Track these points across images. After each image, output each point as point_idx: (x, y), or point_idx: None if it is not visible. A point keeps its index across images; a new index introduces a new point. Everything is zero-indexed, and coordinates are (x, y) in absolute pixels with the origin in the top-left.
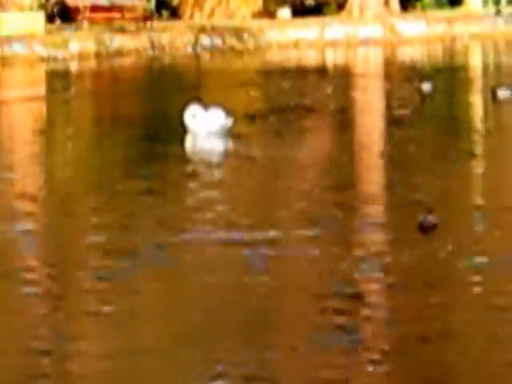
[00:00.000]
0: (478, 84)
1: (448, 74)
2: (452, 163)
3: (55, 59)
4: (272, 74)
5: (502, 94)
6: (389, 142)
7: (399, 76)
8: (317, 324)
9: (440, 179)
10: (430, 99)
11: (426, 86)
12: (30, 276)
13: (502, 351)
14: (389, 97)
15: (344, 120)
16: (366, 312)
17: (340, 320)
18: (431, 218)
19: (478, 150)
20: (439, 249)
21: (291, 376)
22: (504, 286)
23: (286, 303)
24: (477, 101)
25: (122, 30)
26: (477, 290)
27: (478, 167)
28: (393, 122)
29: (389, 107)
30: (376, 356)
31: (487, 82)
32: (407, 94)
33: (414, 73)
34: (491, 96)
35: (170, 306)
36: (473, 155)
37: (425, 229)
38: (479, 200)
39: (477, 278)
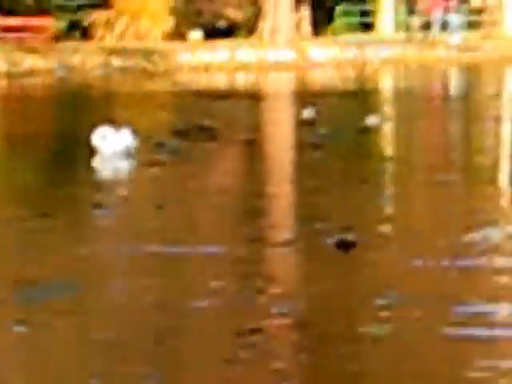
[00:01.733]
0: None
1: (337, 99)
2: (355, 187)
3: None
4: (182, 96)
5: (370, 121)
6: (293, 167)
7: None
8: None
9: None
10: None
11: (307, 113)
12: None
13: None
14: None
15: (250, 144)
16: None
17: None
18: (350, 237)
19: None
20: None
21: None
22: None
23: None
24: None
25: (33, 50)
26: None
27: (381, 190)
28: (293, 146)
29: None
30: None
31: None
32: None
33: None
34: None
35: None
36: (372, 179)
37: (344, 246)
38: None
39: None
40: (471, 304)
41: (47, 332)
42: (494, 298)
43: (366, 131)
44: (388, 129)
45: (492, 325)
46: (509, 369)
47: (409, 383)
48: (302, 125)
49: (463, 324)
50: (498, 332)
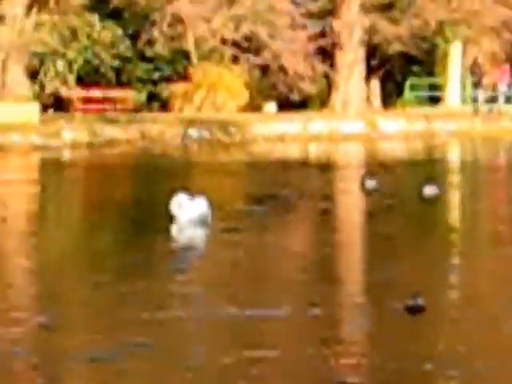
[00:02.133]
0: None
1: (404, 170)
2: (427, 255)
3: (49, 148)
4: (257, 166)
5: (429, 191)
6: (365, 235)
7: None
8: None
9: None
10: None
11: (372, 183)
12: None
13: None
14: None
15: (323, 211)
16: None
17: None
18: (419, 301)
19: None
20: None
21: None
22: None
23: None
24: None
25: (114, 121)
26: None
27: (453, 259)
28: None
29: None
30: None
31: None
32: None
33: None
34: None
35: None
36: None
37: (413, 311)
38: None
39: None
40: None
41: None
42: None
43: (426, 201)
44: (449, 198)
45: None
46: None
47: None
48: (368, 195)
49: None
50: None
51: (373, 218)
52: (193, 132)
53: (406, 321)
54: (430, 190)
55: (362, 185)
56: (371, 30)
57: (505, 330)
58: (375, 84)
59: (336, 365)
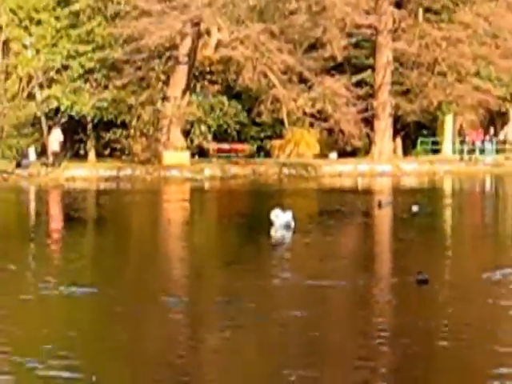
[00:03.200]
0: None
1: (412, 195)
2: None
3: (195, 180)
4: (325, 192)
5: (415, 209)
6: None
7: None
8: None
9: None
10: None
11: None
12: None
13: None
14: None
15: (364, 222)
16: None
17: None
18: (424, 276)
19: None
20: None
21: None
22: None
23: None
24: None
25: (236, 163)
26: None
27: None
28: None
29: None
30: None
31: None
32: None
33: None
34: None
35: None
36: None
37: (421, 282)
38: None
39: None
40: None
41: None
42: None
43: (415, 215)
44: (428, 212)
45: None
46: None
47: None
48: (383, 206)
49: None
50: None
51: (392, 225)
52: (285, 170)
53: (417, 289)
54: (415, 208)
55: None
56: (396, 107)
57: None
58: (398, 141)
59: (370, 320)
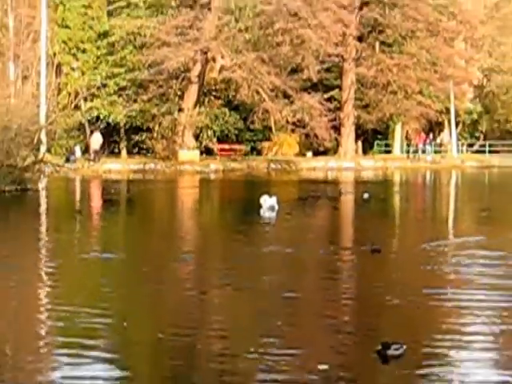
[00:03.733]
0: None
1: (370, 185)
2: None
3: (203, 172)
4: (302, 182)
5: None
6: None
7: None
8: None
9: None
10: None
11: (365, 195)
12: None
13: None
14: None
15: (332, 205)
16: None
17: None
18: (377, 246)
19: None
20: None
21: None
22: None
23: None
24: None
25: (234, 159)
26: None
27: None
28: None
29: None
30: None
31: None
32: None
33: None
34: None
35: None
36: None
37: (374, 251)
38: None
39: None
40: None
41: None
42: None
43: (364, 200)
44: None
45: None
46: None
47: None
48: (344, 194)
49: None
50: None
51: (350, 207)
52: (272, 165)
53: (372, 256)
54: (366, 195)
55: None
56: (358, 118)
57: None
58: (359, 144)
59: (335, 281)
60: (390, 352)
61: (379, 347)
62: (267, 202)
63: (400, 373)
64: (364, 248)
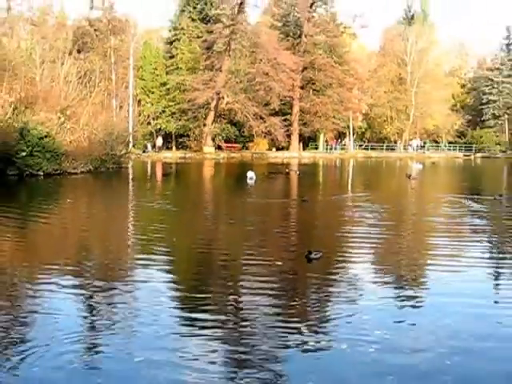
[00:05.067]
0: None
1: (305, 167)
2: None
3: (216, 159)
4: (270, 164)
5: (291, 170)
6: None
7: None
8: None
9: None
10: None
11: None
12: None
13: None
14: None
15: (285, 177)
16: None
17: None
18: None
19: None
20: None
21: None
22: None
23: None
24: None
25: (233, 152)
26: None
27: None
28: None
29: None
30: None
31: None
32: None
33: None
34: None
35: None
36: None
37: (304, 201)
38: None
39: None
40: None
41: None
42: None
43: (300, 175)
44: (312, 173)
45: None
46: None
47: None
48: (291, 170)
49: None
50: None
51: (293, 178)
52: (254, 155)
53: (303, 204)
54: (297, 172)
55: (290, 170)
56: (300, 130)
57: None
58: (301, 144)
59: (287, 217)
60: (312, 256)
61: (306, 253)
62: (250, 174)
63: (318, 267)
64: (299, 199)
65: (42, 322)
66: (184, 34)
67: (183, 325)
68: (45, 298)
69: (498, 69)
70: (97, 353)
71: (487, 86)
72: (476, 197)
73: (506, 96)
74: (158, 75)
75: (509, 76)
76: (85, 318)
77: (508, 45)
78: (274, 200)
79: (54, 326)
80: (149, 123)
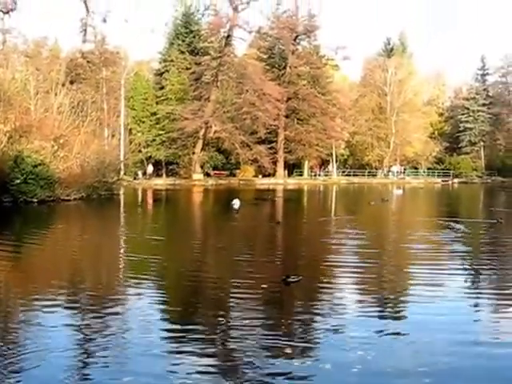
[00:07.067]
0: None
1: (288, 194)
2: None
3: (205, 185)
4: (256, 191)
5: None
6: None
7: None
8: None
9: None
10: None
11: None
12: None
13: None
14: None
15: (270, 203)
16: None
17: None
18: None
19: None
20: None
21: None
22: None
23: None
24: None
25: (221, 179)
26: None
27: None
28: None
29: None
30: None
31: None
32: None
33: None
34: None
35: None
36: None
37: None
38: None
39: None
40: None
41: None
42: None
43: (287, 200)
44: (296, 199)
45: None
46: None
47: None
48: (277, 197)
49: None
50: None
51: (280, 204)
52: (241, 182)
53: (276, 227)
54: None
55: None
56: (285, 158)
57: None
58: (285, 171)
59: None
60: (290, 279)
61: (283, 277)
62: (235, 202)
63: (296, 289)
64: (276, 222)
65: (33, 345)
66: (173, 65)
67: (172, 343)
68: (35, 321)
69: (473, 98)
70: (85, 376)
71: (463, 114)
72: (456, 219)
73: (481, 124)
74: (148, 105)
75: (483, 105)
76: (76, 339)
77: (483, 75)
78: (257, 223)
79: (46, 345)
80: (140, 151)
